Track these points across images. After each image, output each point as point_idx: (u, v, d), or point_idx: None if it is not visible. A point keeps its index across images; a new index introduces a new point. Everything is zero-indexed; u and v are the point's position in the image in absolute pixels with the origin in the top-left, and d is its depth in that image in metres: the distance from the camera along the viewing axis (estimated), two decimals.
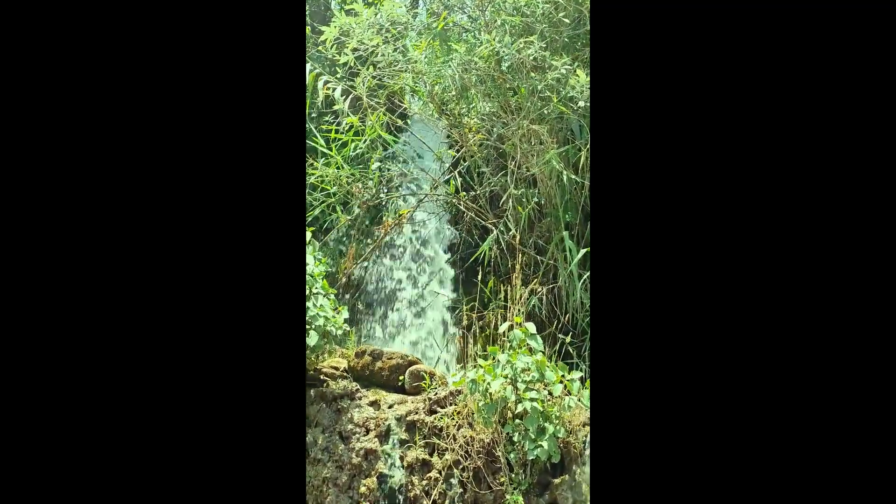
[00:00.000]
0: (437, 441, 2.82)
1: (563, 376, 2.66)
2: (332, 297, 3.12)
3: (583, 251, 3.21)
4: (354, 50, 3.62)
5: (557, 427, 2.57)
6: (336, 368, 3.14)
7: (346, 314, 3.12)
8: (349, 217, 4.01)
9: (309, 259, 3.02)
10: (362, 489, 2.84)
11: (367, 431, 2.93)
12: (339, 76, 3.85)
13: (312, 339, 2.89)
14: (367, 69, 3.71)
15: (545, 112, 3.34)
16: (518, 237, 3.48)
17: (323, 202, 3.98)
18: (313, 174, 3.90)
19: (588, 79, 3.09)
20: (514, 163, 3.52)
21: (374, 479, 2.84)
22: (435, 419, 2.86)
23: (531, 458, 2.55)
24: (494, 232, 3.54)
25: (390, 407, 2.99)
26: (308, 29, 4.21)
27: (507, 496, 2.60)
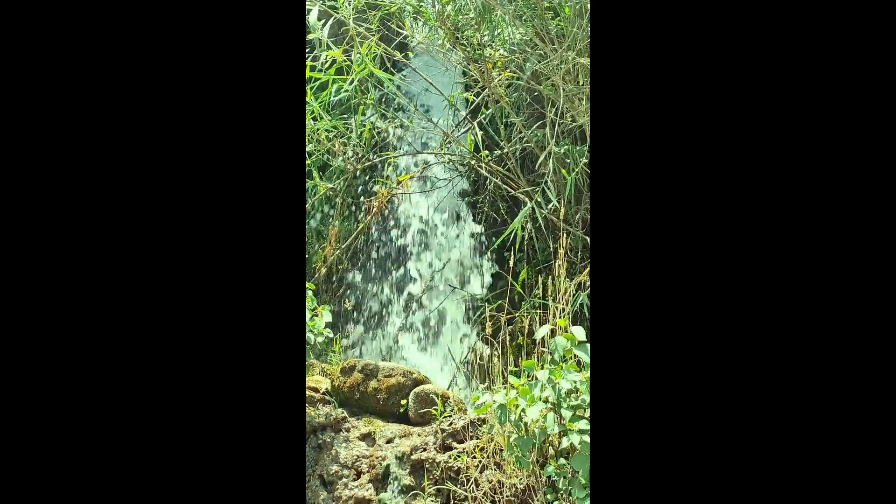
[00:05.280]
0: (454, 487, 2.78)
1: None
2: (310, 293, 3.11)
3: None
4: None
5: None
6: (315, 390, 3.13)
7: (327, 316, 3.13)
8: (330, 185, 3.99)
9: None
10: None
11: (359, 475, 2.92)
12: None
13: None
14: None
15: None
16: (561, 211, 3.45)
17: None
18: None
19: None
20: (554, 110, 3.52)
21: None
22: (450, 458, 2.84)
23: None
24: (529, 204, 3.51)
25: (389, 441, 2.98)
26: None
27: None
